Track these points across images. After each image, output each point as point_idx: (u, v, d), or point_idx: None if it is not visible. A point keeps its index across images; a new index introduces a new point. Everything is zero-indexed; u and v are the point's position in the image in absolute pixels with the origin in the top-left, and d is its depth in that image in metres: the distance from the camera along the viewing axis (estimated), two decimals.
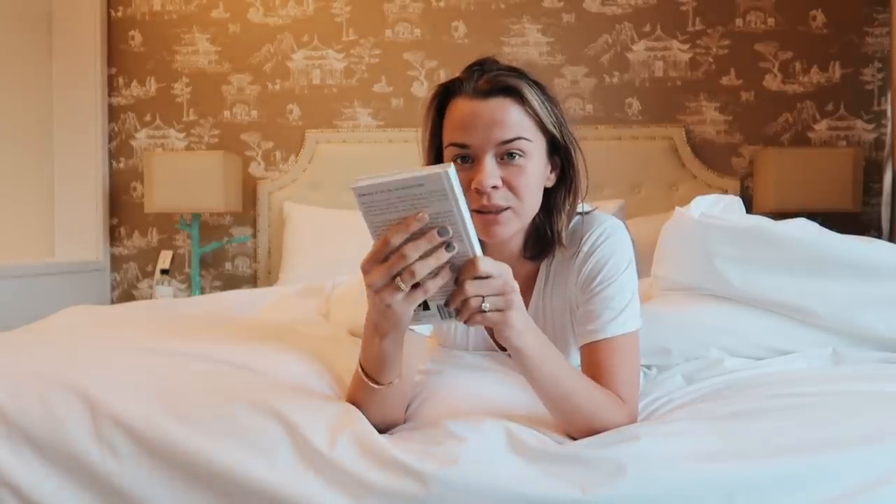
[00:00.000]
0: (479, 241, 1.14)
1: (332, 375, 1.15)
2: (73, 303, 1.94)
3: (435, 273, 0.83)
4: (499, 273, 0.85)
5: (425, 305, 0.88)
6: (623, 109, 3.07)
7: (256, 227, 3.17)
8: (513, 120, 1.08)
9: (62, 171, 3.18)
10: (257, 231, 3.16)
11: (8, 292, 2.63)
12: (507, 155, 1.08)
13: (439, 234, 0.82)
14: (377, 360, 0.96)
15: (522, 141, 1.08)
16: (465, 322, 0.86)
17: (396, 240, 0.82)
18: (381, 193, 0.81)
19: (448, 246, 0.83)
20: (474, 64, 1.13)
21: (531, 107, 1.09)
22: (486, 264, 0.84)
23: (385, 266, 0.83)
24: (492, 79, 1.09)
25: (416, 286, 0.83)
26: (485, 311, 0.85)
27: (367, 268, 0.85)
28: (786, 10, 3.00)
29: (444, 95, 1.14)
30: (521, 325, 0.89)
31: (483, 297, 0.85)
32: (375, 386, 0.97)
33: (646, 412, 1.14)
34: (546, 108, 1.11)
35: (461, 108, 1.10)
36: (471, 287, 0.84)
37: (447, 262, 0.84)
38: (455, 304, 0.85)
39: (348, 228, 2.83)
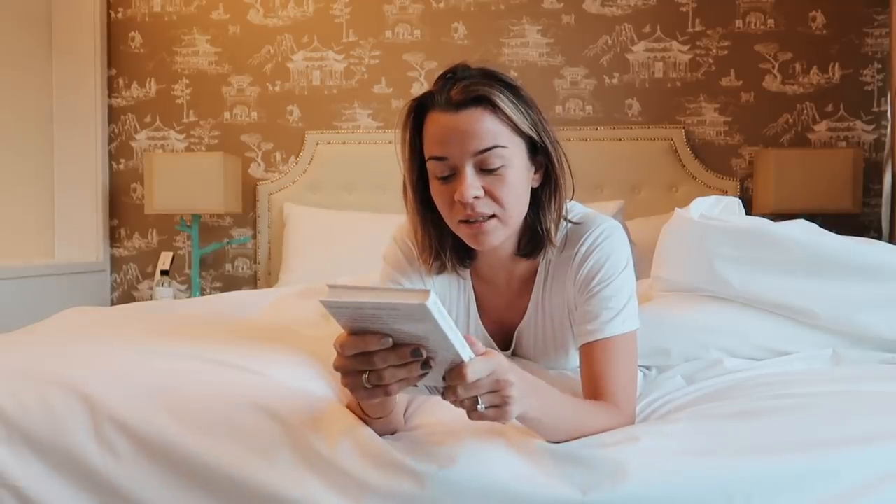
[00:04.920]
0: (471, 248, 1.14)
1: (332, 376, 1.15)
2: (74, 304, 1.94)
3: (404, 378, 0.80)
4: (488, 372, 0.80)
5: None
6: (623, 110, 3.07)
7: (256, 228, 3.17)
8: (487, 129, 1.07)
9: (62, 172, 3.18)
10: (257, 232, 3.17)
11: (8, 293, 2.63)
12: (486, 164, 1.07)
13: (412, 354, 0.78)
14: (366, 407, 0.95)
15: (499, 148, 1.07)
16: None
17: (356, 351, 0.80)
18: (355, 310, 0.76)
19: (424, 364, 0.78)
20: (446, 73, 1.11)
21: (504, 113, 1.08)
22: (474, 371, 0.79)
23: (352, 361, 0.81)
24: (463, 89, 1.07)
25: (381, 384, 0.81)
26: (479, 410, 0.82)
27: (338, 351, 0.82)
28: (785, 11, 3.01)
29: (419, 109, 1.13)
30: (520, 408, 0.84)
31: (477, 397, 0.81)
32: (369, 419, 0.97)
33: (645, 413, 1.14)
34: (521, 111, 1.10)
35: (436, 121, 1.09)
36: (462, 392, 0.80)
37: (420, 376, 0.80)
38: (449, 401, 0.82)
39: (348, 229, 2.84)
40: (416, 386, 0.84)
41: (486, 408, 0.82)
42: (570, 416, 0.96)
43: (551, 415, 0.92)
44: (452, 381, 0.80)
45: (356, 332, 0.80)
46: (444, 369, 0.80)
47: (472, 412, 0.82)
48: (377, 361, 0.79)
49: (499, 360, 0.83)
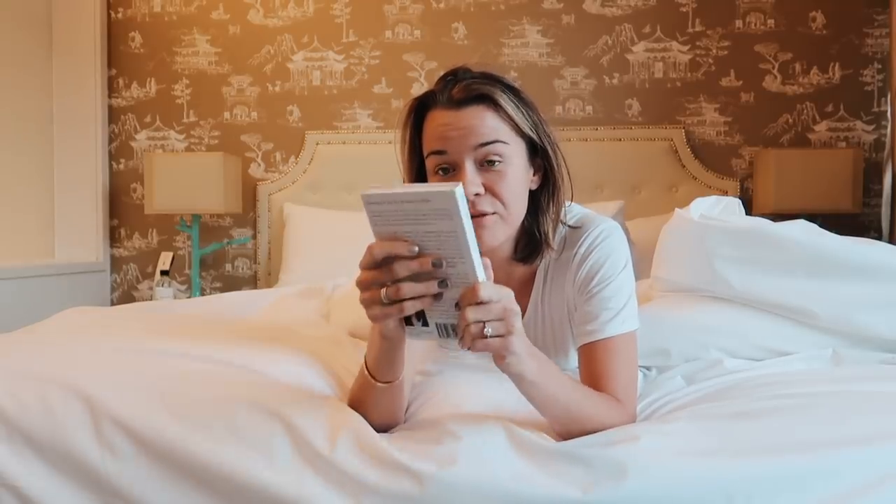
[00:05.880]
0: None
1: (332, 376, 1.15)
2: (73, 304, 1.94)
3: (421, 296, 0.83)
4: (499, 297, 0.83)
5: (424, 321, 0.86)
6: (623, 110, 3.08)
7: (256, 228, 3.17)
8: (488, 125, 1.08)
9: (62, 172, 3.18)
10: (257, 232, 3.17)
11: (8, 293, 2.63)
12: (486, 161, 1.08)
13: (434, 264, 0.81)
14: (377, 358, 0.97)
15: (499, 144, 1.08)
16: (468, 348, 0.84)
17: (384, 253, 0.82)
18: (389, 204, 0.80)
19: (441, 283, 0.82)
20: (447, 74, 1.12)
21: (505, 112, 1.09)
22: (486, 290, 0.81)
23: (375, 272, 0.84)
24: (465, 87, 1.08)
25: (397, 301, 0.83)
26: (486, 337, 0.83)
27: (363, 264, 0.85)
28: (785, 11, 3.01)
29: (419, 109, 1.13)
30: (522, 349, 0.86)
31: (484, 322, 0.82)
32: (375, 383, 0.98)
33: (646, 413, 1.14)
34: (521, 111, 1.11)
35: (437, 119, 1.09)
36: (472, 313, 0.81)
37: (436, 294, 0.83)
38: (459, 333, 0.84)
39: (349, 229, 2.83)
40: (427, 326, 0.86)
41: (491, 335, 0.83)
42: (571, 392, 0.96)
43: (551, 385, 0.92)
44: (465, 301, 0.82)
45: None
46: (457, 295, 0.83)
47: (478, 340, 0.83)
48: (399, 270, 0.82)
49: (509, 291, 0.85)
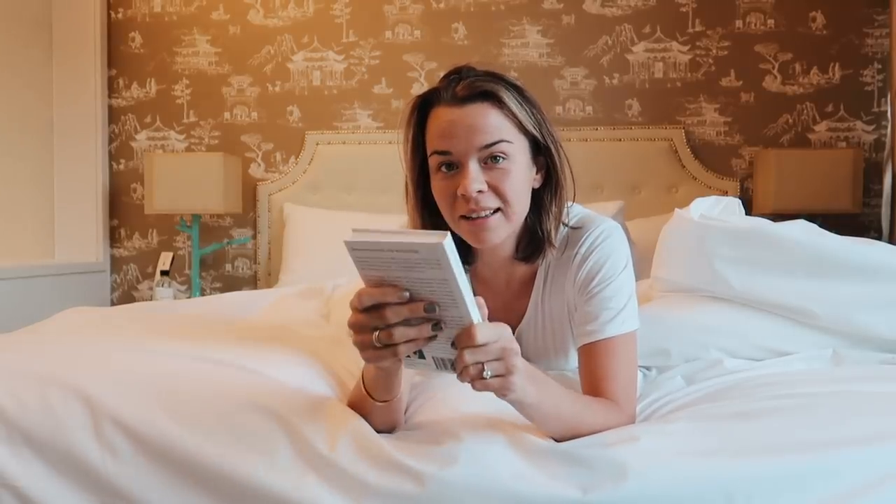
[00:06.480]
0: (471, 247, 1.13)
1: (332, 376, 1.15)
2: (74, 304, 1.94)
3: (413, 339, 0.81)
4: (496, 338, 0.81)
5: (421, 354, 0.85)
6: (623, 111, 3.08)
7: (256, 228, 3.17)
8: (492, 124, 1.08)
9: (62, 172, 3.19)
10: (257, 232, 3.17)
11: (8, 293, 2.63)
12: (490, 159, 1.08)
13: (426, 309, 0.79)
14: (374, 381, 0.96)
15: (504, 143, 1.08)
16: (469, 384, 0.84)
17: (374, 301, 0.81)
18: (375, 252, 0.78)
19: (434, 326, 0.80)
20: (451, 72, 1.12)
21: (509, 109, 1.09)
22: (483, 333, 0.80)
23: (366, 316, 0.82)
24: (469, 85, 1.08)
25: (390, 345, 0.82)
26: (485, 378, 0.82)
27: (354, 307, 0.83)
28: (785, 11, 3.01)
29: (423, 106, 1.14)
30: (521, 383, 0.84)
31: (483, 363, 0.81)
32: (374, 402, 0.97)
33: (646, 413, 1.14)
34: (525, 109, 1.11)
35: (441, 116, 1.10)
36: (469, 355, 0.80)
37: (430, 337, 0.81)
38: (458, 371, 0.82)
39: (349, 230, 2.83)
40: (423, 358, 0.85)
41: (491, 376, 0.82)
42: (569, 407, 0.96)
43: (549, 404, 0.91)
44: (462, 343, 0.80)
45: (376, 286, 0.82)
46: (453, 334, 0.81)
47: (477, 381, 0.82)
48: (390, 316, 0.80)
49: (506, 329, 0.83)
